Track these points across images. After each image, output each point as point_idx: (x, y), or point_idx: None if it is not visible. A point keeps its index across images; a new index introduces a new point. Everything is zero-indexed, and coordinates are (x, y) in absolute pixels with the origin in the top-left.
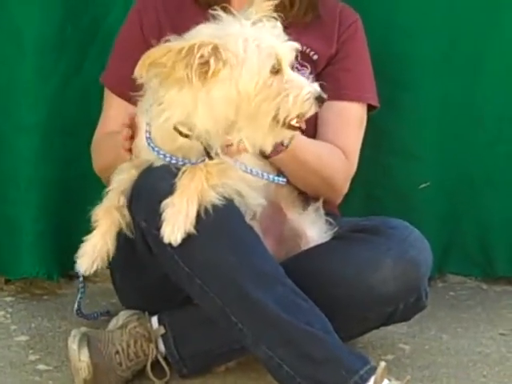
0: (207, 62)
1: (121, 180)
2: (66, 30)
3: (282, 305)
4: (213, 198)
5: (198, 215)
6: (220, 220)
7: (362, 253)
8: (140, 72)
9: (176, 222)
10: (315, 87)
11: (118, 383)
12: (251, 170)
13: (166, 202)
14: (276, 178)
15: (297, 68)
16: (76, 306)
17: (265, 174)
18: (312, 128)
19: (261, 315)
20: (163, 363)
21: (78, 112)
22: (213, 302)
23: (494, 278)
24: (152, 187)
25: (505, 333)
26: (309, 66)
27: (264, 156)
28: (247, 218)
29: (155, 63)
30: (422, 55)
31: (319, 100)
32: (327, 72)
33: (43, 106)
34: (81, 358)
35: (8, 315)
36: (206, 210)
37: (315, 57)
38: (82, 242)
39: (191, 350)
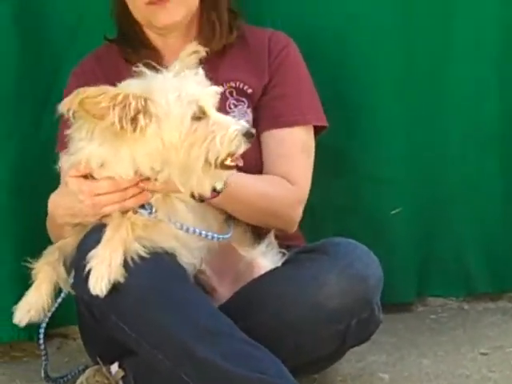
0: (136, 118)
1: (62, 242)
2: (24, 85)
3: (231, 358)
4: (138, 249)
5: (129, 271)
6: (159, 281)
7: (305, 271)
8: (69, 106)
9: (100, 272)
10: (242, 124)
11: None
12: (187, 229)
13: (90, 255)
14: (217, 236)
15: (234, 104)
16: (42, 373)
17: (205, 233)
18: (255, 160)
19: (211, 373)
20: None
21: (41, 168)
22: (163, 364)
23: (475, 297)
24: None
25: (486, 352)
26: (245, 101)
27: (200, 200)
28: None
29: (87, 101)
30: (384, 79)
31: (247, 136)
32: (263, 102)
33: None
34: None
35: None
36: (136, 263)
37: (249, 91)
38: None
39: None
